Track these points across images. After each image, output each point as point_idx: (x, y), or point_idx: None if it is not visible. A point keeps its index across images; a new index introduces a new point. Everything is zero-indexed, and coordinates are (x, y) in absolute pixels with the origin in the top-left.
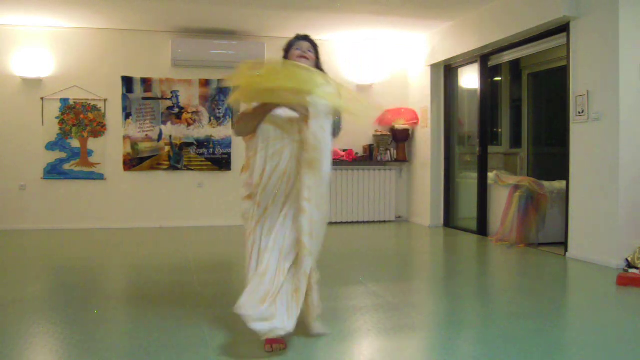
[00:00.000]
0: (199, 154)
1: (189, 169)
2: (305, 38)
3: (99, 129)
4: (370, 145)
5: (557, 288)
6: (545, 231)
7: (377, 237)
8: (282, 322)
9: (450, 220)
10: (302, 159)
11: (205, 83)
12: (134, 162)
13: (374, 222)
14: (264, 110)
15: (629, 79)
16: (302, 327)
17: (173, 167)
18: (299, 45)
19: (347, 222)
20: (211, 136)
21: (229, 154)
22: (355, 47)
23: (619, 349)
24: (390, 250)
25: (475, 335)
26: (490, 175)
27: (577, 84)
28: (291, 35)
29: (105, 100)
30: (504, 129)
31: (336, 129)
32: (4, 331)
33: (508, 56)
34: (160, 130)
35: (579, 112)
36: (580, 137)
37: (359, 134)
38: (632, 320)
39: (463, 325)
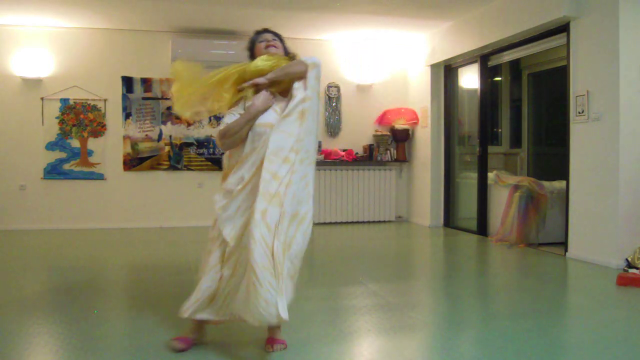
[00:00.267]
0: (199, 154)
1: (189, 169)
2: (266, 30)
3: (99, 129)
4: (370, 145)
5: (557, 288)
6: (545, 231)
7: (377, 237)
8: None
9: (450, 220)
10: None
11: None
12: (134, 162)
13: (374, 222)
14: (250, 116)
15: (629, 79)
16: (302, 329)
17: (173, 167)
18: (262, 38)
19: (347, 222)
20: (211, 136)
21: None
22: (355, 47)
23: (618, 348)
24: (391, 250)
25: (475, 335)
26: (490, 175)
27: (577, 84)
28: (291, 35)
29: (105, 100)
30: (504, 129)
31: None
32: (4, 331)
33: (508, 56)
34: (160, 130)
35: (579, 112)
36: (580, 137)
37: (359, 134)
38: (632, 320)
39: (463, 325)
